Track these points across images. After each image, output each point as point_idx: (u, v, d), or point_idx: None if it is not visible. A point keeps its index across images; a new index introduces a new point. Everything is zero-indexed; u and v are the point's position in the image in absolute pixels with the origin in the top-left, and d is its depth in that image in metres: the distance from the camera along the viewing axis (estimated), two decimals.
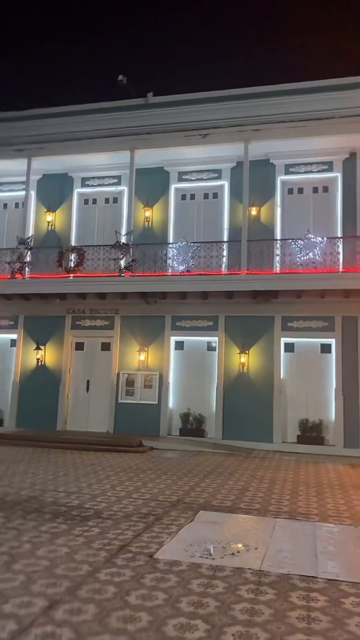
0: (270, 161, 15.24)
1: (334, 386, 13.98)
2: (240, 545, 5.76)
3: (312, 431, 13.94)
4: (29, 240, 15.43)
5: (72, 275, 15.28)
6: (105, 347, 15.82)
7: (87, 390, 15.72)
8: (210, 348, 15.19)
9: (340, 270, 13.90)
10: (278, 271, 14.21)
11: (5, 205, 17.42)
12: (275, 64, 27.64)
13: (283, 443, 14.03)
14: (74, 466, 10.68)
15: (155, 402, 15.10)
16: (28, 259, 15.43)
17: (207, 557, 5.33)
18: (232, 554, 5.48)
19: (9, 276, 15.24)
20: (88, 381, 15.76)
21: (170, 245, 14.93)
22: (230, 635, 3.69)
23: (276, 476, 10.22)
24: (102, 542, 5.69)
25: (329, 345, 14.27)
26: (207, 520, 6.84)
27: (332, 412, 13.92)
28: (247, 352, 14.65)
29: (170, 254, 14.74)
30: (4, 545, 5.47)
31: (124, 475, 9.77)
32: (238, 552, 5.56)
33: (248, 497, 8.25)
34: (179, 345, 15.45)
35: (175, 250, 14.66)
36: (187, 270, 14.42)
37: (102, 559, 5.14)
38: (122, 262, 14.69)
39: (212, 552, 5.45)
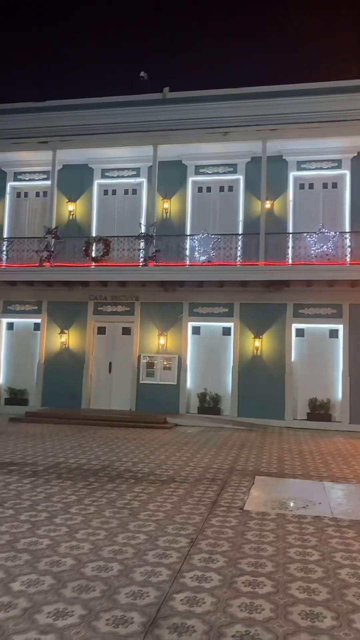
0: (283, 157, 16.25)
1: (341, 368, 15.32)
2: (306, 501, 6.96)
3: (320, 409, 15.30)
4: (55, 230, 16.13)
5: (94, 264, 16.11)
6: (126, 331, 16.78)
7: (110, 371, 16.71)
8: (225, 333, 16.33)
9: (348, 262, 15.13)
10: (291, 262, 15.36)
11: (26, 194, 18.01)
12: (291, 64, 28.39)
13: (294, 420, 15.36)
14: (117, 440, 11.74)
15: (174, 383, 16.21)
16: (54, 248, 16.15)
17: (286, 509, 6.51)
18: (304, 507, 6.68)
19: (37, 264, 15.97)
20: (110, 363, 16.74)
21: (192, 237, 15.87)
22: (340, 558, 4.88)
23: (301, 448, 11.51)
24: (193, 499, 6.82)
25: (337, 331, 15.57)
26: (265, 483, 8.03)
27: (339, 391, 15.29)
28: (260, 337, 15.84)
29: (192, 245, 15.70)
30: (117, 501, 6.55)
31: (169, 448, 10.89)
32: (307, 505, 6.76)
33: (288, 465, 9.49)
34: (196, 330, 16.54)
35: (196, 242, 15.62)
36: (208, 261, 15.43)
37: (204, 511, 6.26)
38: (146, 252, 15.59)
39: (291, 505, 6.65)
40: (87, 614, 3.66)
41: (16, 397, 16.91)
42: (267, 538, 5.37)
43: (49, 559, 4.61)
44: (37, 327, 17.22)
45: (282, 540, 5.31)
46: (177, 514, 6.13)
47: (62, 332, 16.82)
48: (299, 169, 16.26)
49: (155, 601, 3.88)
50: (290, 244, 15.43)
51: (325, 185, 16.21)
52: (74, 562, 4.56)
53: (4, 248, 16.80)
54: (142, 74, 16.29)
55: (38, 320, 17.18)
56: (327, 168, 16.12)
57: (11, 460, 9.10)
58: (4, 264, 16.69)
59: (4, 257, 16.74)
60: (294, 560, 4.78)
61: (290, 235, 15.63)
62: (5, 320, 17.51)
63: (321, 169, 16.15)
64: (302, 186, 16.32)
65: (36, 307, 17.22)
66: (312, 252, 14.84)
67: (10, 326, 17.56)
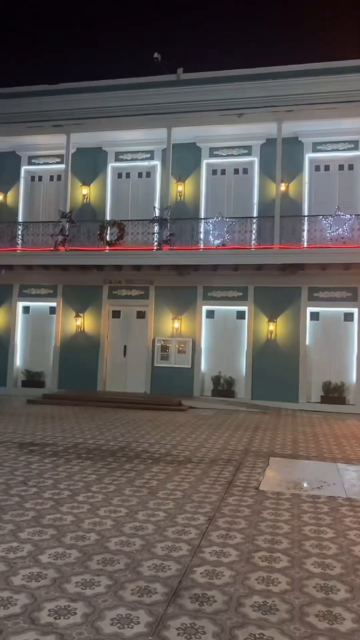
0: (299, 139, 16.10)
1: (356, 351, 15.36)
2: (320, 481, 7.12)
3: (334, 392, 15.40)
4: (70, 214, 16.23)
5: (108, 248, 16.22)
6: (141, 315, 16.95)
7: (125, 355, 16.93)
8: (239, 316, 16.41)
9: None
10: (306, 245, 15.32)
11: (40, 178, 18.12)
12: (307, 44, 27.81)
13: (307, 403, 15.48)
14: (134, 422, 11.98)
15: (189, 366, 16.39)
16: (69, 232, 16.27)
17: (300, 490, 6.67)
18: (318, 487, 6.84)
19: (52, 248, 16.13)
20: (125, 346, 16.95)
21: (207, 220, 15.88)
22: (354, 536, 5.03)
23: (314, 430, 11.65)
24: (210, 479, 7.00)
25: (352, 314, 15.57)
26: (280, 464, 8.20)
27: (353, 375, 15.35)
28: (275, 320, 15.91)
29: (206, 229, 15.72)
30: (136, 481, 6.76)
31: (184, 430, 11.10)
32: (321, 486, 6.91)
33: (302, 447, 9.64)
34: (210, 314, 16.64)
35: (211, 225, 15.64)
36: (223, 244, 15.45)
37: (221, 490, 6.45)
38: (161, 236, 15.66)
39: (305, 485, 6.81)
40: (112, 584, 3.86)
41: (33, 379, 17.24)
42: (282, 516, 5.54)
43: (73, 534, 4.83)
44: (52, 310, 17.45)
45: (297, 519, 5.48)
46: (194, 493, 6.32)
47: (77, 316, 17.04)
48: (315, 150, 16.12)
49: (176, 574, 4.07)
50: (305, 227, 15.39)
51: (341, 167, 16.06)
52: (97, 537, 4.77)
53: (20, 232, 16.96)
54: (155, 55, 16.18)
55: (53, 304, 17.40)
56: (343, 150, 15.96)
57: (32, 440, 9.37)
58: (19, 248, 16.88)
59: (20, 241, 16.91)
60: (308, 538, 4.95)
61: (306, 218, 15.57)
62: (21, 304, 17.76)
63: (337, 150, 16.00)
64: (317, 168, 16.20)
65: (51, 291, 17.43)
66: (328, 235, 14.79)
67: (26, 310, 17.82)
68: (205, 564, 4.28)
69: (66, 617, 3.39)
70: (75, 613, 3.44)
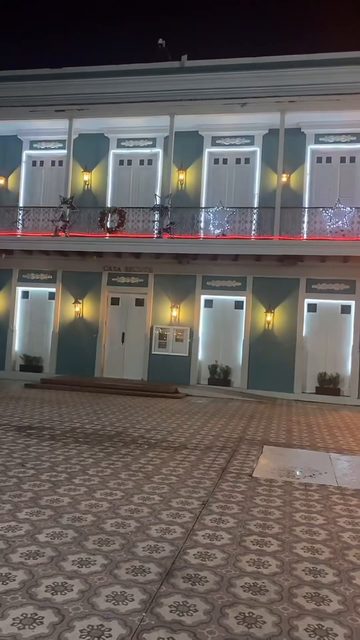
0: (302, 130, 16.06)
1: (352, 344, 15.48)
2: (312, 470, 7.26)
3: (329, 383, 15.54)
4: (70, 200, 16.21)
5: (108, 235, 16.22)
6: (140, 302, 17.01)
7: (123, 341, 17.02)
8: (237, 306, 16.48)
9: None
10: (305, 237, 15.36)
11: (41, 163, 18.06)
12: (312, 34, 27.53)
13: (302, 393, 15.63)
14: (131, 408, 12.11)
15: (186, 354, 16.49)
16: (69, 218, 16.26)
17: (293, 477, 6.81)
18: (310, 475, 6.98)
19: (52, 234, 16.13)
20: (123, 334, 17.04)
21: (208, 210, 15.89)
22: (343, 523, 5.17)
23: (309, 420, 11.81)
24: (204, 465, 7.14)
25: (349, 307, 15.66)
26: (274, 452, 8.34)
27: (348, 366, 15.48)
28: (272, 311, 16.00)
29: (207, 218, 15.73)
30: (131, 465, 6.89)
31: (180, 417, 11.24)
32: (313, 475, 7.05)
33: (296, 436, 9.79)
34: (209, 304, 16.71)
35: (211, 215, 15.65)
36: (223, 234, 15.48)
37: (215, 476, 6.58)
38: (161, 224, 15.67)
39: (297, 473, 6.95)
40: (108, 563, 3.99)
41: (31, 364, 17.34)
42: (274, 503, 5.67)
43: (70, 515, 4.95)
44: (51, 296, 17.50)
45: (289, 505, 5.61)
46: (189, 478, 6.45)
47: (76, 302, 17.10)
48: (317, 142, 16.09)
49: (170, 555, 4.20)
50: (305, 219, 15.42)
51: (342, 160, 16.05)
52: (94, 519, 4.89)
53: (20, 217, 16.95)
54: (160, 41, 16.05)
55: (53, 290, 17.45)
56: (346, 142, 15.93)
57: (29, 424, 9.49)
58: (19, 233, 16.88)
59: (20, 226, 16.91)
60: (299, 524, 5.08)
61: (306, 209, 15.59)
62: (20, 289, 17.80)
63: (339, 142, 15.97)
64: (319, 160, 16.18)
65: (51, 277, 17.47)
66: (328, 227, 14.83)
67: (25, 295, 17.87)
68: (198, 546, 4.41)
69: (63, 593, 3.52)
70: (72, 589, 3.57)
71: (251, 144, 16.51)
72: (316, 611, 3.48)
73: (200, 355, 16.51)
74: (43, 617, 3.22)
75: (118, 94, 16.19)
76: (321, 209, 15.16)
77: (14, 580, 3.65)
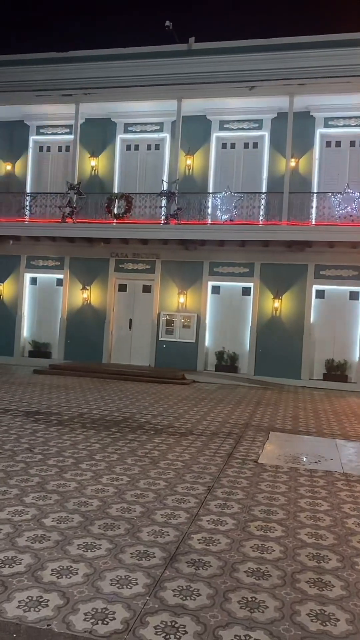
0: (311, 114, 15.81)
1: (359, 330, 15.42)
2: (318, 456, 7.28)
3: (336, 370, 15.50)
4: (77, 186, 16.14)
5: (115, 221, 16.16)
6: (147, 289, 17.00)
7: (130, 328, 17.06)
8: (245, 293, 16.42)
9: None
10: (314, 223, 15.21)
11: (48, 149, 17.97)
12: (321, 15, 26.90)
13: (310, 380, 15.61)
14: (138, 394, 12.17)
15: (193, 341, 16.50)
16: (76, 204, 16.20)
17: (298, 464, 6.83)
18: (316, 462, 6.99)
19: (59, 220, 16.11)
20: (130, 320, 17.06)
21: (215, 195, 15.76)
22: (348, 509, 5.19)
23: (316, 407, 11.81)
24: (210, 451, 7.18)
25: (357, 293, 15.55)
26: (280, 438, 8.36)
27: (356, 353, 15.42)
28: (280, 297, 15.92)
29: (214, 204, 15.61)
30: (138, 450, 6.94)
31: (187, 403, 11.28)
32: (319, 461, 7.07)
33: (302, 422, 9.80)
34: (216, 290, 16.67)
35: (219, 200, 15.53)
36: (230, 220, 15.36)
37: (221, 462, 6.62)
38: (168, 210, 15.58)
39: (303, 459, 6.97)
40: (113, 547, 4.03)
41: (39, 350, 17.45)
42: (279, 489, 5.70)
43: (76, 500, 5.00)
44: (59, 282, 17.54)
45: (294, 492, 5.64)
46: (194, 464, 6.49)
47: (84, 288, 17.13)
48: (327, 125, 15.84)
49: (174, 540, 4.24)
50: (314, 204, 15.26)
51: (352, 144, 15.81)
52: (99, 503, 4.95)
53: (27, 203, 16.93)
54: (167, 23, 15.77)
55: (60, 276, 17.48)
56: (356, 125, 15.67)
57: (38, 409, 9.58)
58: (27, 219, 16.87)
59: (27, 212, 16.89)
60: (304, 510, 5.11)
61: (315, 194, 15.42)
62: (28, 275, 17.85)
63: (349, 126, 15.72)
64: (328, 144, 15.95)
65: (58, 263, 17.49)
66: (336, 212, 14.67)
67: (33, 281, 17.91)
68: (203, 531, 4.45)
69: (68, 576, 3.57)
70: (77, 573, 3.62)
71: (259, 128, 16.29)
72: (319, 596, 3.51)
73: (207, 342, 16.51)
74: (48, 600, 3.27)
75: (125, 78, 16.00)
76: (330, 194, 14.99)
77: (20, 563, 3.71)
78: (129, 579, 3.58)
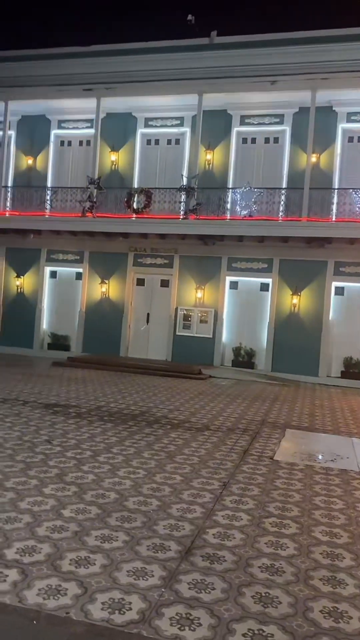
0: (333, 108, 15.65)
1: None
2: (334, 454, 7.28)
3: (355, 367, 15.40)
4: (98, 180, 16.24)
5: (134, 215, 16.24)
6: (165, 283, 17.07)
7: (147, 322, 17.16)
8: (263, 288, 16.38)
9: None
10: (334, 219, 15.08)
11: (69, 143, 18.10)
12: (344, 7, 26.45)
13: (327, 377, 15.54)
14: (154, 388, 12.27)
15: (210, 336, 16.54)
16: (97, 199, 16.31)
17: (314, 461, 6.85)
18: (332, 460, 7.00)
19: (80, 214, 16.25)
20: (148, 314, 17.16)
21: (235, 190, 15.72)
22: None
23: (333, 404, 11.77)
24: (226, 447, 7.23)
25: None
26: (296, 436, 8.37)
27: None
28: (299, 293, 15.85)
29: (234, 199, 15.58)
30: (154, 444, 7.03)
31: (203, 398, 11.34)
32: (335, 459, 7.07)
33: (318, 420, 9.79)
34: (234, 285, 16.66)
35: (238, 195, 15.48)
36: (250, 215, 15.32)
37: (236, 458, 6.67)
38: (187, 205, 15.60)
39: (319, 457, 6.98)
40: (129, 540, 4.12)
41: (58, 342, 17.68)
42: (294, 486, 5.73)
43: (94, 492, 5.11)
44: (79, 276, 17.72)
45: (309, 489, 5.66)
46: (210, 459, 6.55)
47: (102, 282, 17.28)
48: (349, 120, 15.67)
49: (190, 534, 4.31)
50: (335, 200, 15.13)
51: None
52: (117, 496, 5.04)
53: (48, 197, 17.10)
54: (189, 17, 15.73)
55: (80, 270, 17.65)
56: None
57: (56, 402, 9.73)
58: (48, 213, 17.05)
59: (48, 206, 17.06)
60: (318, 507, 5.14)
61: (336, 190, 15.28)
62: (48, 269, 18.07)
63: None
64: (350, 139, 15.78)
65: (78, 257, 17.66)
66: (357, 209, 14.52)
67: (53, 274, 18.13)
68: (218, 526, 4.51)
69: (86, 566, 3.67)
70: (95, 564, 3.71)
71: (281, 122, 16.18)
72: (332, 594, 3.55)
73: (224, 337, 16.54)
74: (67, 589, 3.36)
75: (146, 72, 16.01)
76: (351, 190, 14.84)
77: (40, 552, 3.81)
78: (145, 570, 3.66)
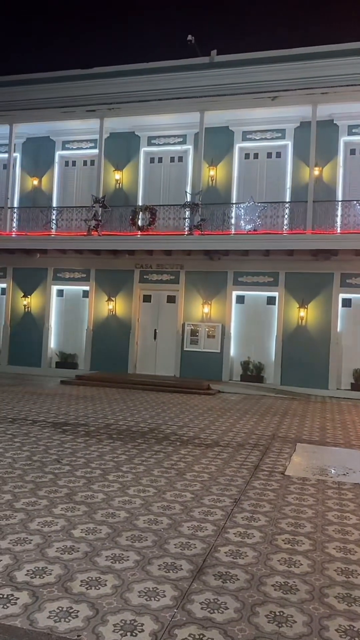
0: (334, 122, 15.76)
1: None
2: (346, 468, 7.18)
3: None
4: (102, 199, 16.41)
5: (140, 233, 16.35)
6: (171, 299, 17.10)
7: (155, 338, 17.16)
8: (270, 302, 16.36)
9: None
10: (339, 231, 15.10)
11: (74, 163, 18.33)
12: (342, 23, 26.91)
13: (337, 390, 15.40)
14: (163, 404, 12.22)
15: (218, 351, 16.50)
16: (102, 217, 16.46)
17: (326, 476, 6.76)
18: (344, 474, 6.91)
19: (85, 233, 16.39)
20: (155, 330, 17.17)
21: (239, 205, 15.81)
22: None
23: (343, 417, 11.65)
24: (236, 463, 7.16)
25: None
26: (307, 450, 8.28)
27: None
28: (306, 306, 15.80)
29: (238, 214, 15.66)
30: (164, 462, 6.98)
31: (212, 414, 11.27)
32: (347, 473, 6.98)
33: (329, 434, 9.68)
34: (240, 299, 16.66)
35: (242, 210, 15.57)
36: (254, 229, 15.37)
37: (247, 474, 6.60)
38: (192, 221, 15.70)
39: (331, 472, 6.90)
40: (140, 559, 4.07)
41: (66, 360, 17.70)
42: (307, 501, 5.65)
43: (104, 511, 5.07)
44: (85, 294, 17.80)
45: (322, 504, 5.58)
46: (220, 475, 6.49)
47: (109, 300, 17.34)
48: (350, 133, 15.76)
49: (201, 552, 4.26)
50: (339, 212, 15.16)
51: None
52: (127, 515, 4.99)
53: (54, 217, 17.28)
54: (189, 37, 16.00)
55: (86, 288, 17.74)
56: None
57: (65, 420, 9.71)
58: (53, 233, 17.21)
59: (54, 226, 17.23)
60: (332, 523, 5.06)
61: (340, 202, 15.32)
62: (55, 287, 18.18)
63: None
64: (352, 152, 15.85)
65: (84, 275, 17.76)
66: None
67: (60, 293, 18.23)
68: (230, 544, 4.45)
69: (97, 587, 3.62)
70: (106, 584, 3.67)
71: (282, 137, 16.31)
72: (348, 612, 3.47)
73: (232, 352, 16.49)
74: (78, 611, 3.32)
75: (148, 92, 16.26)
76: (355, 201, 14.88)
77: (50, 574, 3.78)
78: (157, 591, 3.61)
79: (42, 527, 4.61)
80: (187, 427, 9.64)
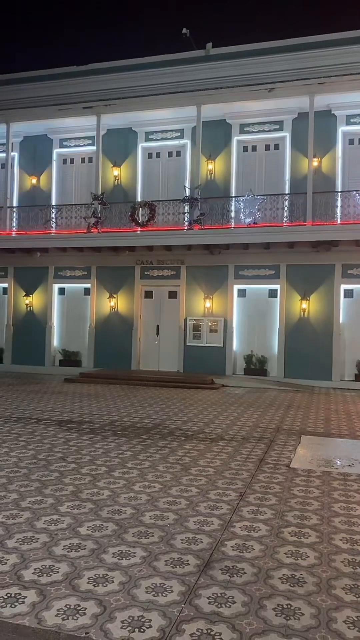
0: (332, 112, 15.67)
1: None
2: (351, 459, 7.18)
3: None
4: (101, 196, 16.38)
5: (140, 229, 16.31)
6: (173, 295, 17.08)
7: (157, 334, 17.16)
8: (271, 295, 16.33)
9: None
10: (339, 222, 15.04)
11: (72, 161, 18.29)
12: (338, 11, 26.69)
13: (341, 381, 15.39)
14: (167, 400, 12.23)
15: (221, 345, 16.49)
16: (101, 214, 16.43)
17: (331, 467, 6.76)
18: (349, 465, 6.90)
19: (85, 230, 16.37)
20: (158, 326, 17.17)
21: (238, 199, 15.75)
22: None
23: (348, 408, 11.64)
24: (241, 456, 7.16)
25: None
26: (312, 442, 8.28)
27: None
28: (307, 298, 15.77)
29: (237, 207, 15.61)
30: (169, 457, 6.98)
31: (217, 408, 11.28)
32: (352, 464, 6.97)
33: (334, 425, 9.67)
34: (242, 293, 16.63)
35: (242, 203, 15.51)
36: (254, 223, 15.32)
37: (252, 467, 6.60)
38: (191, 216, 15.65)
39: (336, 463, 6.89)
40: (147, 555, 4.08)
41: (70, 358, 17.73)
42: (312, 493, 5.65)
43: (110, 508, 5.07)
44: (87, 291, 17.80)
45: (327, 496, 5.58)
46: (226, 469, 6.49)
47: (111, 297, 17.34)
48: (349, 123, 15.68)
49: (208, 547, 4.26)
50: (339, 203, 15.09)
51: None
52: (133, 511, 5.00)
53: (53, 215, 17.25)
54: (184, 31, 15.90)
55: (88, 285, 17.74)
56: None
57: (70, 418, 9.73)
58: (53, 231, 17.19)
59: (54, 224, 17.21)
60: (338, 514, 5.06)
61: (339, 193, 15.25)
62: (57, 286, 18.18)
63: None
64: (351, 141, 15.77)
65: (85, 273, 17.75)
66: None
67: (61, 291, 18.23)
68: (236, 538, 4.46)
69: (104, 584, 3.63)
70: (113, 581, 3.67)
71: (280, 129, 16.23)
72: (355, 603, 3.47)
73: (235, 346, 16.48)
74: (86, 608, 3.33)
75: (144, 87, 16.20)
76: (355, 192, 14.80)
77: (58, 572, 3.79)
78: (164, 586, 3.61)
79: (48, 525, 4.62)
80: (191, 421, 9.65)
